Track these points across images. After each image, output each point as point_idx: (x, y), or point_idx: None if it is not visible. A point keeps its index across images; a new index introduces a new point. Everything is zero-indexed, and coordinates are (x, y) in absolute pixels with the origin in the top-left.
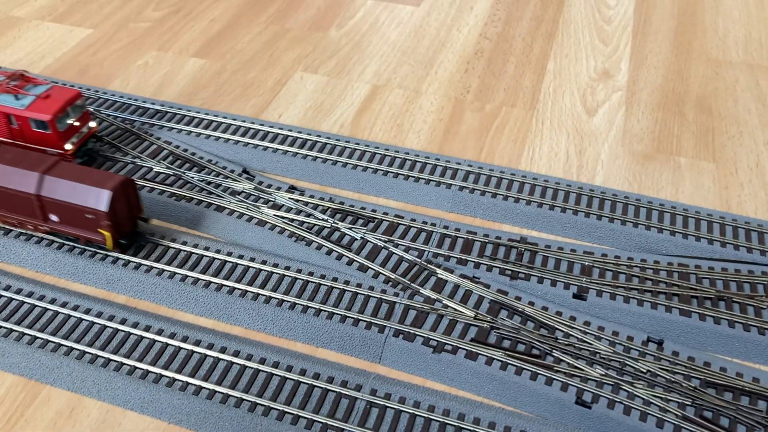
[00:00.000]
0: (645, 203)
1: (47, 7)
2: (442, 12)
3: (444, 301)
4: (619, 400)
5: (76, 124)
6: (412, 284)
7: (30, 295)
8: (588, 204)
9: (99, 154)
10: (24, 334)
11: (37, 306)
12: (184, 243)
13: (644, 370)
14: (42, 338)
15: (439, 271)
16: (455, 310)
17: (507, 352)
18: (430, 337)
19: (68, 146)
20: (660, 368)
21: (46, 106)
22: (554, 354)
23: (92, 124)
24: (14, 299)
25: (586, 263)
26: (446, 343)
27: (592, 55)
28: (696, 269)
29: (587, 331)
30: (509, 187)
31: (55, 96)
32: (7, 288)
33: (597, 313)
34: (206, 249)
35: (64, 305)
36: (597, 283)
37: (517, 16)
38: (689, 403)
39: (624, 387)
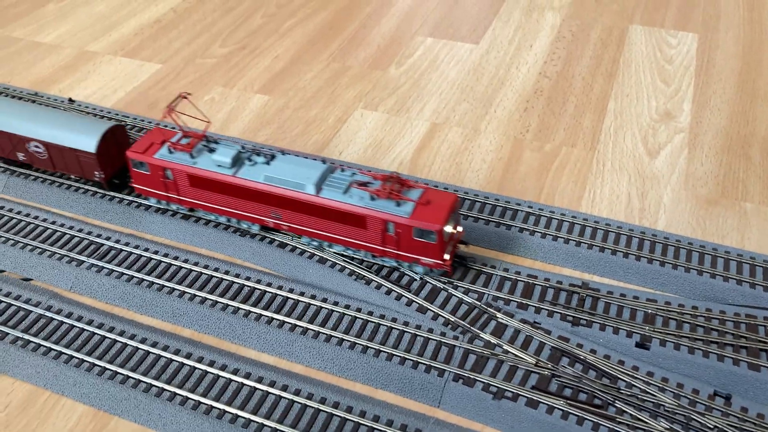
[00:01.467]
0: (710, 250)
1: (120, 42)
2: (501, 50)
3: (504, 347)
4: None
5: (453, 231)
6: (471, 328)
7: (101, 326)
8: (650, 249)
9: (469, 263)
10: (94, 365)
11: (107, 338)
12: (248, 278)
13: (711, 426)
14: (111, 370)
15: (499, 315)
16: (516, 356)
17: (568, 401)
18: (490, 383)
19: (446, 256)
20: (728, 424)
21: (432, 214)
22: (617, 405)
23: (460, 228)
24: (86, 330)
25: (649, 311)
26: (506, 390)
27: (653, 95)
28: (765, 321)
29: (650, 381)
30: (570, 230)
31: (436, 202)
32: (80, 319)
33: (660, 364)
34: (269, 285)
35: (132, 337)
36: (660, 332)
37: (577, 55)
38: None
39: None
